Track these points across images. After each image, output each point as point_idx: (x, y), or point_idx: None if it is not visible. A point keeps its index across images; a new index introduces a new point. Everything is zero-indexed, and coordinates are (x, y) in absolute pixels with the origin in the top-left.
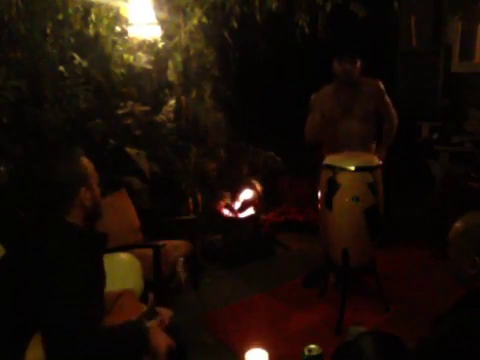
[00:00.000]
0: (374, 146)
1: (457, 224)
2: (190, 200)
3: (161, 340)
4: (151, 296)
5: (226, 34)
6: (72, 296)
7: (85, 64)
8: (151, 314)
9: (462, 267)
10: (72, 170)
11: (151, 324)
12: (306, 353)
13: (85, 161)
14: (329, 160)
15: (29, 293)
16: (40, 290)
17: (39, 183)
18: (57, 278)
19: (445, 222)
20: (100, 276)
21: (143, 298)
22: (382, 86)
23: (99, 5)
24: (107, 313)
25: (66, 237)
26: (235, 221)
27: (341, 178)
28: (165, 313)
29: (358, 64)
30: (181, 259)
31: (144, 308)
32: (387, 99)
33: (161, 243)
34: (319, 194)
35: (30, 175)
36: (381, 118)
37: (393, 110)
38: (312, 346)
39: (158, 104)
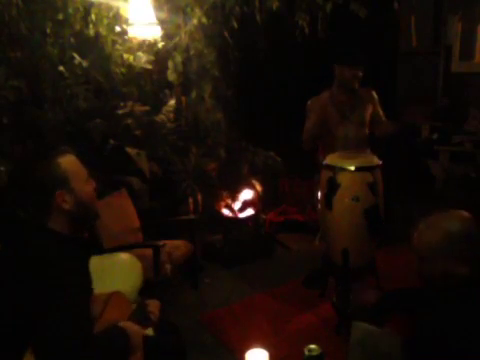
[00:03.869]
0: (368, 150)
1: (434, 231)
2: (190, 200)
3: (136, 335)
4: (139, 297)
5: (226, 34)
6: (62, 308)
7: (85, 64)
8: (140, 314)
9: (448, 267)
10: (43, 173)
11: (125, 324)
12: (306, 353)
13: (64, 160)
14: (329, 160)
15: (18, 304)
16: (28, 303)
17: (15, 186)
18: (46, 292)
19: None
20: (86, 283)
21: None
22: (376, 95)
23: (99, 5)
24: (97, 317)
25: (49, 246)
26: (235, 221)
27: (341, 178)
28: (153, 305)
29: (360, 72)
30: (165, 248)
31: (134, 308)
32: (380, 110)
33: (161, 243)
34: (319, 194)
35: (13, 177)
36: (373, 126)
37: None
38: (312, 346)
39: (158, 104)
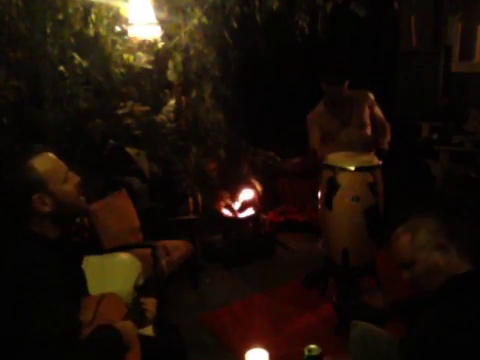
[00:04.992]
0: (373, 152)
1: (411, 232)
2: (190, 200)
3: (130, 332)
4: (134, 295)
5: (226, 34)
6: (43, 313)
7: (85, 64)
8: (135, 313)
9: (433, 261)
10: (16, 177)
11: (117, 322)
12: (306, 353)
13: (38, 161)
14: (329, 160)
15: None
16: (10, 310)
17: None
18: (26, 296)
19: None
20: (74, 286)
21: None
22: (372, 96)
23: (99, 5)
24: (90, 319)
25: (30, 250)
26: (235, 221)
27: (341, 178)
28: (149, 303)
29: (346, 84)
30: (160, 245)
31: (129, 307)
32: (379, 110)
33: (159, 243)
34: (319, 194)
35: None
36: (376, 129)
37: (387, 124)
38: (312, 346)
39: (158, 104)
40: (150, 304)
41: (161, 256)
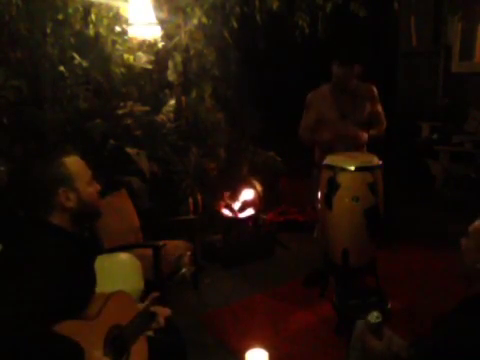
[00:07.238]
0: (365, 148)
1: None
2: (190, 200)
3: None
4: (149, 297)
5: (226, 34)
6: (26, 293)
7: (85, 64)
8: (145, 316)
9: (475, 260)
10: (47, 170)
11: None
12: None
13: (69, 160)
14: (329, 160)
15: None
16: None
17: (18, 183)
18: (17, 272)
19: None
20: (84, 282)
21: (143, 298)
22: (376, 91)
23: (99, 5)
24: (95, 315)
25: (41, 237)
26: (235, 221)
27: (341, 178)
28: (162, 312)
29: (355, 69)
30: (188, 254)
31: (139, 308)
32: (379, 107)
33: (161, 243)
34: (319, 194)
35: (15, 175)
36: (371, 123)
37: (384, 119)
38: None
39: (158, 104)
40: (163, 313)
41: (188, 263)
